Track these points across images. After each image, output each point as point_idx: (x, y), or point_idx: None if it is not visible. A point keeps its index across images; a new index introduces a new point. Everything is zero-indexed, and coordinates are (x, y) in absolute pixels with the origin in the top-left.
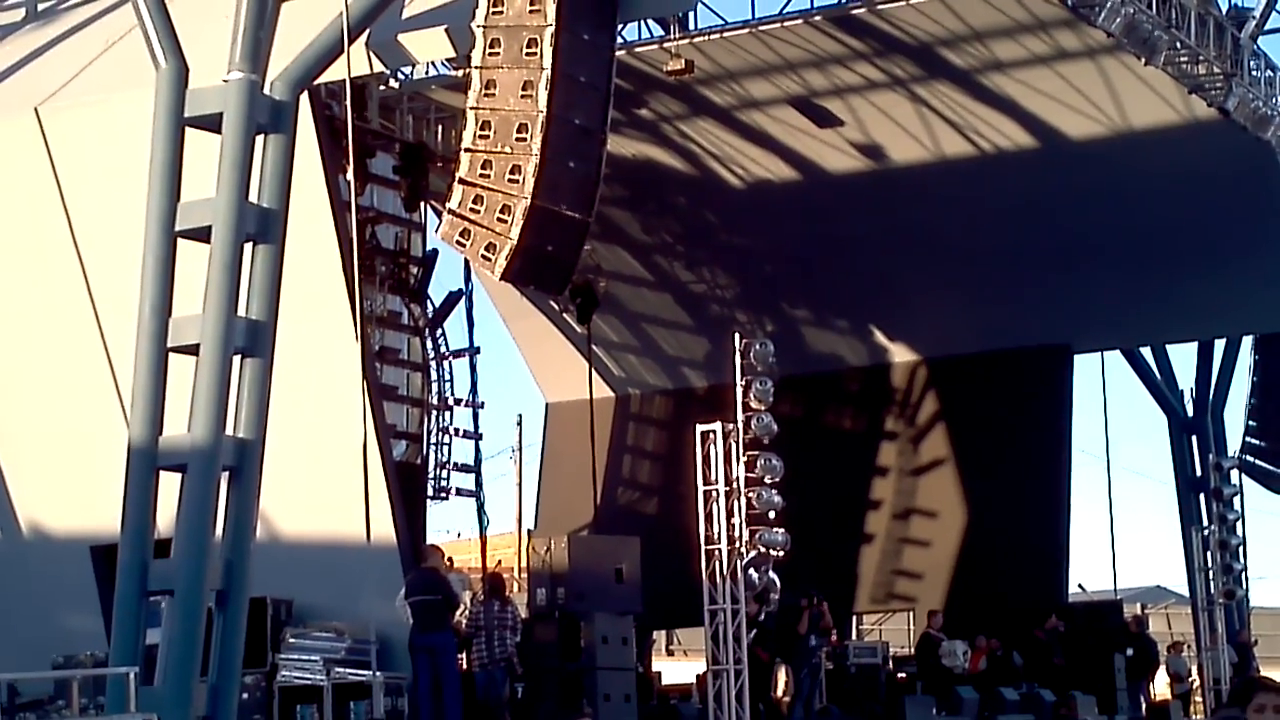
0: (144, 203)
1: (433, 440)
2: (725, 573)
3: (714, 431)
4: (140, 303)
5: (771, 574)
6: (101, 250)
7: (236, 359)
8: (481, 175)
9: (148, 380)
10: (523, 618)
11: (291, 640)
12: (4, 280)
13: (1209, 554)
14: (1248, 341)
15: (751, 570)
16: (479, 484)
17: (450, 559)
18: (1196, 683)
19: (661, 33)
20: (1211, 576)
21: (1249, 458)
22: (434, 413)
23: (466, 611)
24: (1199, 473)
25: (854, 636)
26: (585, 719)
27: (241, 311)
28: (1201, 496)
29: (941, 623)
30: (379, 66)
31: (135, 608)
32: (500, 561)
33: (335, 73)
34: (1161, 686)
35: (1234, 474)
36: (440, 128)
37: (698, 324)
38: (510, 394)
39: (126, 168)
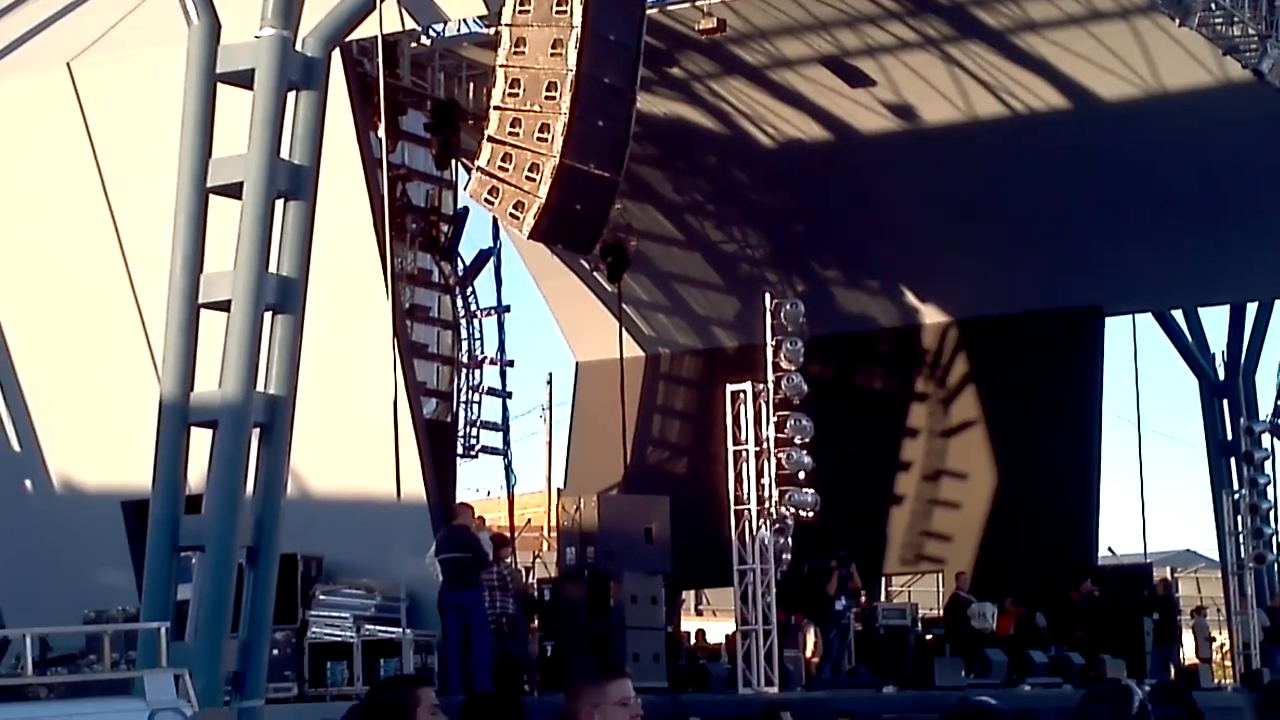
0: (176, 159)
1: (462, 398)
2: (754, 533)
3: (744, 391)
4: (172, 259)
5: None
6: (133, 206)
7: (268, 315)
8: (510, 133)
9: (179, 336)
10: (549, 577)
11: (322, 597)
12: (37, 235)
13: (1239, 518)
14: None
15: (765, 532)
16: (506, 442)
17: (482, 518)
18: (1224, 645)
19: None
20: (1242, 541)
21: None
22: (464, 371)
23: None
24: (1230, 436)
25: (883, 598)
26: (625, 679)
27: (273, 268)
28: (1232, 460)
29: (969, 583)
30: (410, 23)
31: (166, 563)
32: (529, 520)
33: (367, 29)
34: (1189, 651)
35: (1265, 438)
36: (472, 85)
37: (728, 283)
38: (540, 353)
39: (158, 123)
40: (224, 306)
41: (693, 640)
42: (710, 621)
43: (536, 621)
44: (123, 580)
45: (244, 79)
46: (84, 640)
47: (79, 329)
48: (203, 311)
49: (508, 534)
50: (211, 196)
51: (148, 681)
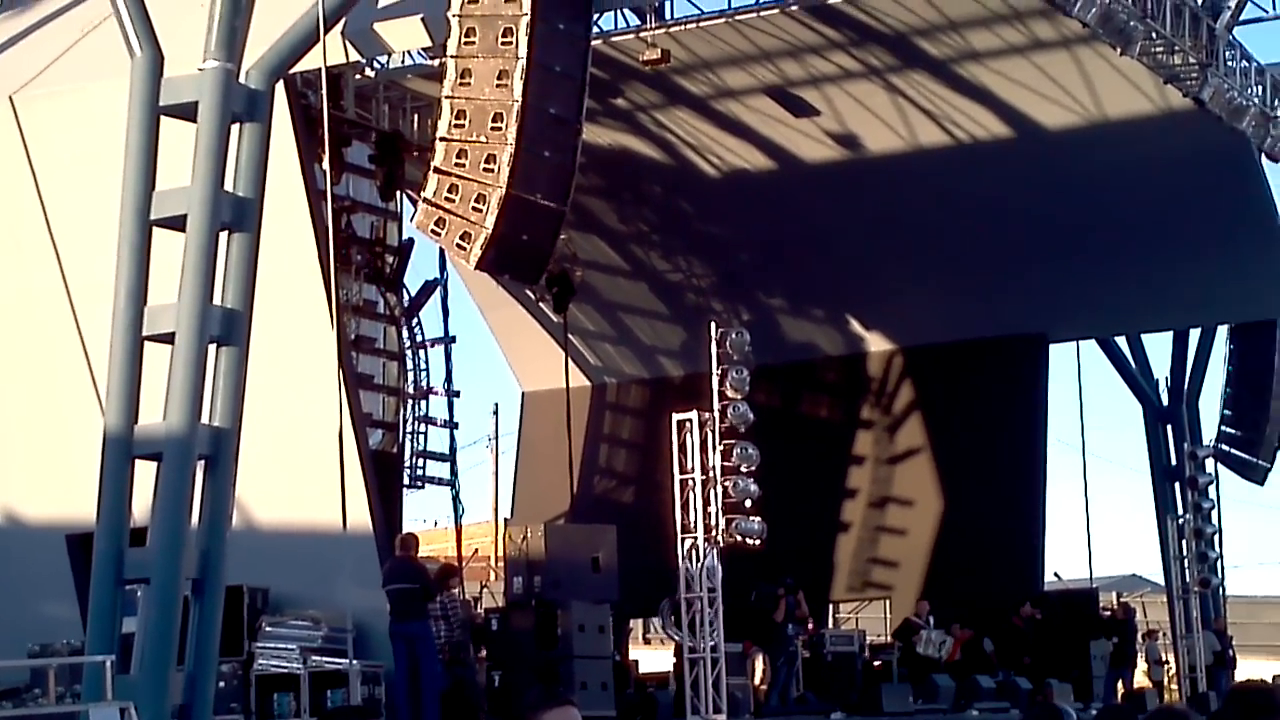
0: (119, 191)
1: (409, 429)
2: (701, 561)
3: (690, 420)
4: (115, 291)
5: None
6: (76, 239)
7: (212, 348)
8: (457, 164)
9: (123, 369)
10: (497, 606)
11: (268, 629)
12: None
13: (1184, 542)
14: (1222, 331)
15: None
16: (454, 473)
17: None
18: (1173, 669)
19: (638, 22)
20: (1187, 565)
21: (1224, 446)
22: (410, 402)
23: None
24: (1174, 462)
25: (830, 625)
26: (570, 707)
27: (217, 300)
28: (1177, 485)
29: (929, 609)
30: (355, 55)
31: (111, 596)
32: (476, 550)
33: (311, 61)
34: (1138, 674)
35: (1209, 463)
36: (416, 116)
37: (674, 313)
38: (486, 383)
39: (101, 156)
40: (168, 339)
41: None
42: (658, 649)
43: (484, 651)
44: (67, 613)
45: (187, 111)
46: (29, 674)
47: (22, 361)
48: (147, 344)
49: (455, 563)
50: (155, 229)
51: (93, 715)
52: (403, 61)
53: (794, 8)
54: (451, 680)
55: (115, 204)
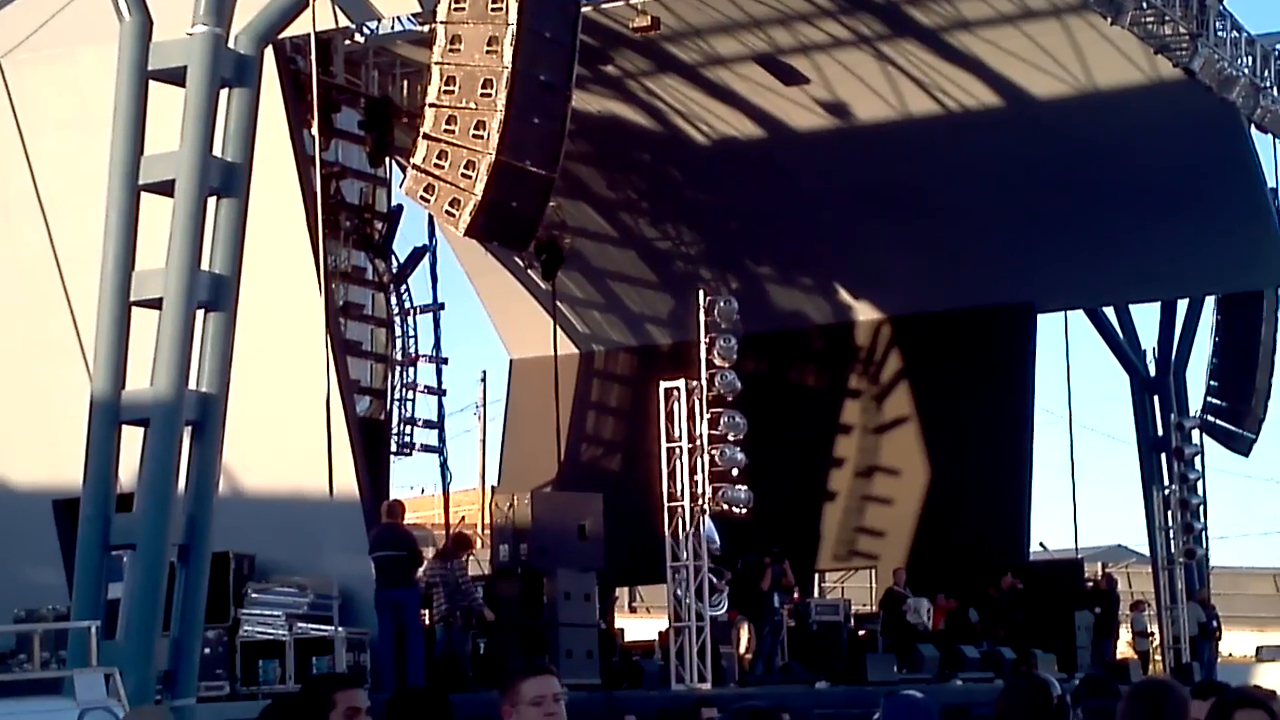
0: (108, 156)
1: (396, 396)
2: (688, 529)
3: (678, 388)
4: (103, 256)
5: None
6: (65, 204)
7: (200, 313)
8: (446, 130)
9: (110, 334)
10: (483, 574)
11: (254, 595)
12: None
13: (1170, 513)
14: (1210, 301)
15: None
16: (442, 440)
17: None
18: (1157, 641)
19: None
20: (1172, 535)
21: (1210, 417)
22: (397, 368)
23: (425, 569)
24: (1160, 432)
25: (816, 594)
26: (547, 676)
27: (205, 266)
28: (1163, 456)
29: (905, 578)
30: (344, 21)
31: (97, 562)
32: (464, 518)
33: (300, 27)
34: (1123, 645)
35: (1195, 434)
36: (406, 83)
37: (662, 281)
38: (475, 350)
39: (90, 121)
40: (156, 304)
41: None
42: (644, 618)
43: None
44: (53, 579)
45: (176, 76)
46: (14, 639)
47: (10, 327)
48: (134, 309)
49: (469, 534)
50: (143, 194)
51: (78, 680)
52: (392, 27)
53: None
54: (461, 646)
55: (104, 169)
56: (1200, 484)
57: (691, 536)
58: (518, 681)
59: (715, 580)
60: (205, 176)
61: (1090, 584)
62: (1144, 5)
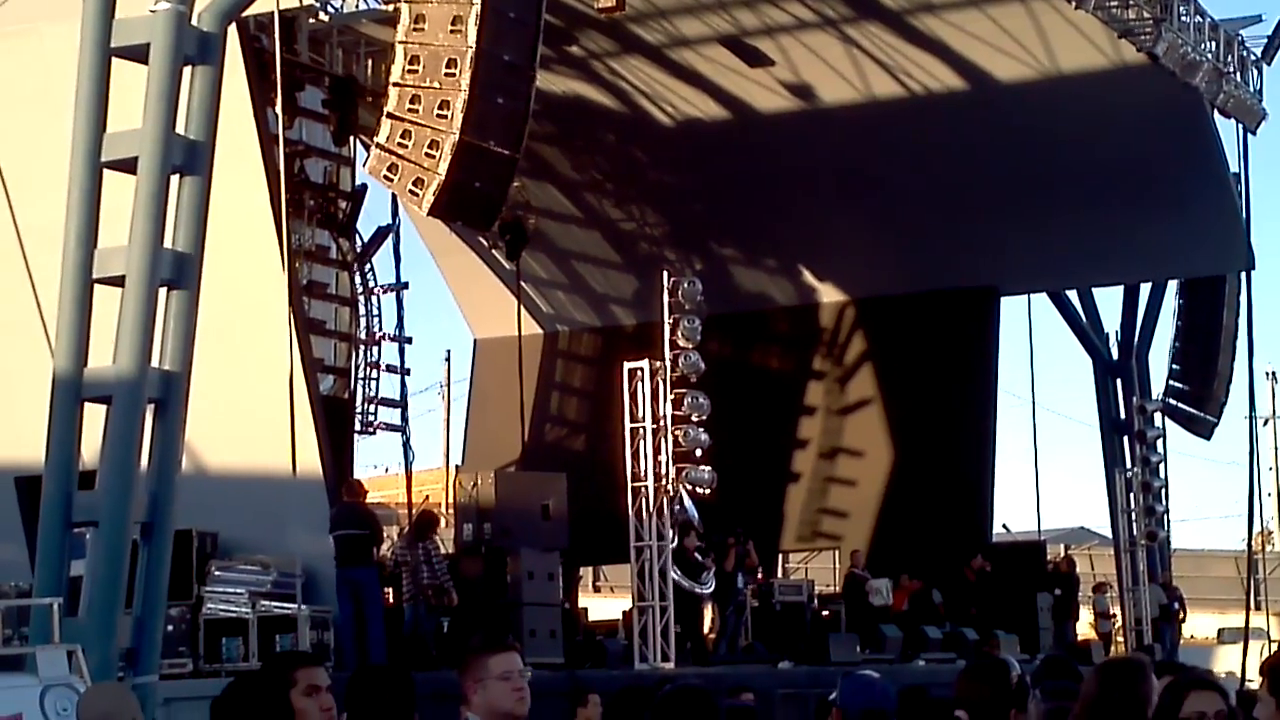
0: (70, 133)
1: (360, 375)
2: (651, 509)
3: (641, 369)
4: (65, 233)
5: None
6: (27, 181)
7: (163, 291)
8: (410, 110)
9: (73, 312)
10: (448, 553)
11: (217, 573)
12: None
13: (1132, 496)
14: (1173, 286)
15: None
16: (405, 419)
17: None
18: (1119, 623)
19: None
20: (1134, 518)
21: (1172, 401)
22: (361, 347)
23: (393, 547)
24: (1123, 415)
25: (779, 575)
26: (512, 652)
27: (168, 244)
28: (1125, 439)
29: (864, 561)
30: None
31: (59, 539)
32: (427, 497)
33: (264, 4)
34: (1084, 626)
35: (1157, 417)
36: (370, 62)
37: (626, 262)
38: (439, 330)
39: (52, 98)
40: (118, 282)
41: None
42: (608, 598)
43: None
44: (15, 556)
45: (139, 53)
46: None
47: None
48: (97, 287)
49: (434, 512)
50: (106, 171)
51: (40, 657)
52: (357, 6)
53: None
54: (429, 624)
55: (66, 146)
56: (1162, 467)
57: (668, 514)
58: (484, 656)
59: (702, 558)
60: (168, 154)
61: (1051, 566)
62: None
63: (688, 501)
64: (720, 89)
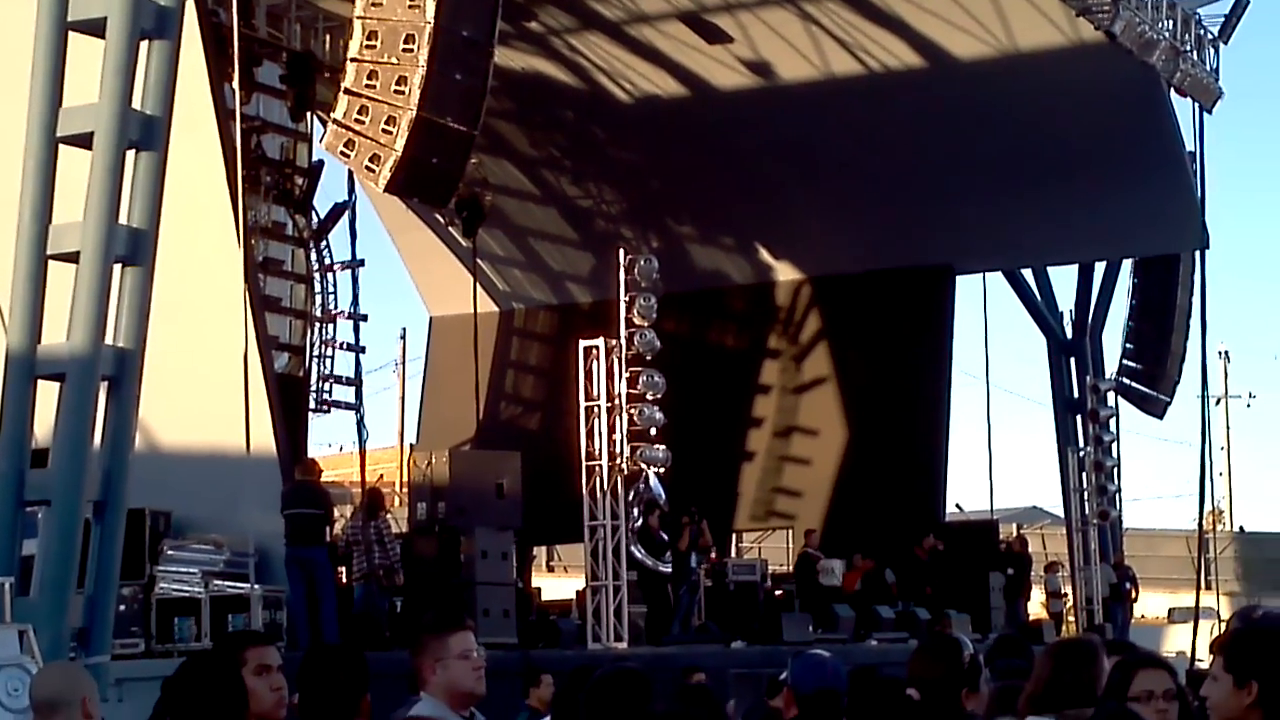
0: (25, 108)
1: (315, 353)
2: (606, 489)
3: (597, 347)
4: (20, 209)
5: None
6: None
7: (117, 267)
8: (367, 85)
9: (26, 288)
10: (401, 532)
11: (170, 552)
12: None
13: (1084, 475)
14: (1127, 265)
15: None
16: (359, 397)
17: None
18: (1070, 602)
19: None
20: (1087, 497)
21: (1125, 380)
22: (317, 325)
23: (345, 527)
24: (1076, 394)
25: (733, 554)
26: (467, 631)
27: (123, 219)
28: (1078, 418)
29: (819, 541)
30: None
31: (11, 518)
32: (381, 476)
33: None
34: (1036, 606)
35: (1110, 396)
36: (328, 37)
37: (583, 239)
38: (394, 307)
39: (7, 71)
40: (73, 258)
41: None
42: (562, 578)
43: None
44: None
45: (96, 27)
46: None
47: None
48: (51, 263)
49: (381, 489)
50: (61, 146)
51: None
52: None
53: None
54: (381, 604)
55: (22, 121)
56: (1115, 446)
57: (623, 493)
58: (444, 636)
59: (665, 536)
60: (124, 129)
61: (1004, 546)
62: None
63: (654, 480)
64: (679, 66)
